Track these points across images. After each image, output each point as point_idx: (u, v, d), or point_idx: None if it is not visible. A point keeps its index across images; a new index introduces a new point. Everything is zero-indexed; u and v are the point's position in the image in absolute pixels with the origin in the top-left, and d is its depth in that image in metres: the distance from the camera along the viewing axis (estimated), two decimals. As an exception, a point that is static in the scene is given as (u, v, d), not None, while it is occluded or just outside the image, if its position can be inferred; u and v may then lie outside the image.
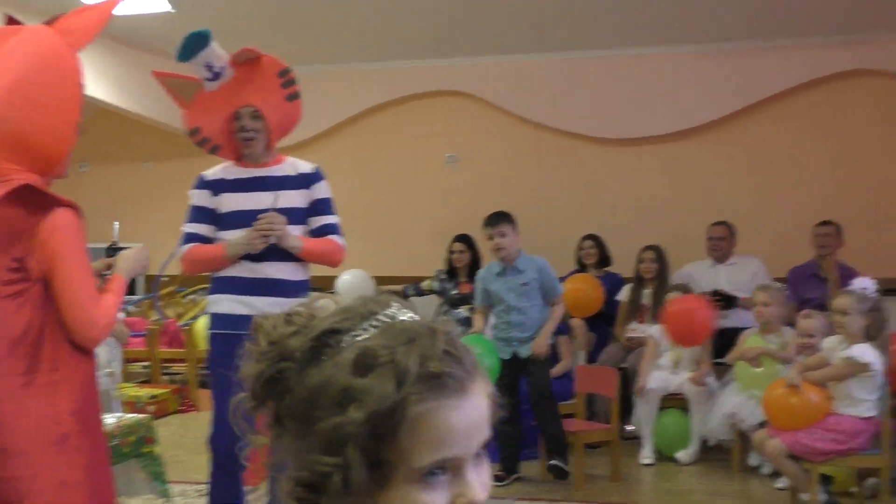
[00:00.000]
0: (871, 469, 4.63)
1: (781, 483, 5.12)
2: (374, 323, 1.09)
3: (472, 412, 1.06)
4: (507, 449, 5.42)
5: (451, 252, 7.31)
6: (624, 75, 7.70)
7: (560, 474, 5.21)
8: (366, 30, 7.54)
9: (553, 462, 5.25)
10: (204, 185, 3.90)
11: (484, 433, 1.09)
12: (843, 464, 4.59)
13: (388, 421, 1.02)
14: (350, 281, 7.57)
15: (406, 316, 1.11)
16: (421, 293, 7.57)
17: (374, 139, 8.40)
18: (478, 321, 5.55)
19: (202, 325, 7.35)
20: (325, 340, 1.09)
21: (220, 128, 3.92)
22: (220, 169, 3.95)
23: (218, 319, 3.87)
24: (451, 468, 1.05)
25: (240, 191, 3.88)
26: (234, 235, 3.79)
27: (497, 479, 5.35)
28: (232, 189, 3.88)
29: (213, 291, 3.91)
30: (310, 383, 1.08)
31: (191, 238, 3.88)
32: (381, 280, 7.73)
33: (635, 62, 7.65)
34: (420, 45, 7.84)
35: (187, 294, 8.33)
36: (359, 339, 1.07)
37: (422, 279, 7.55)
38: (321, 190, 3.97)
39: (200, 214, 3.89)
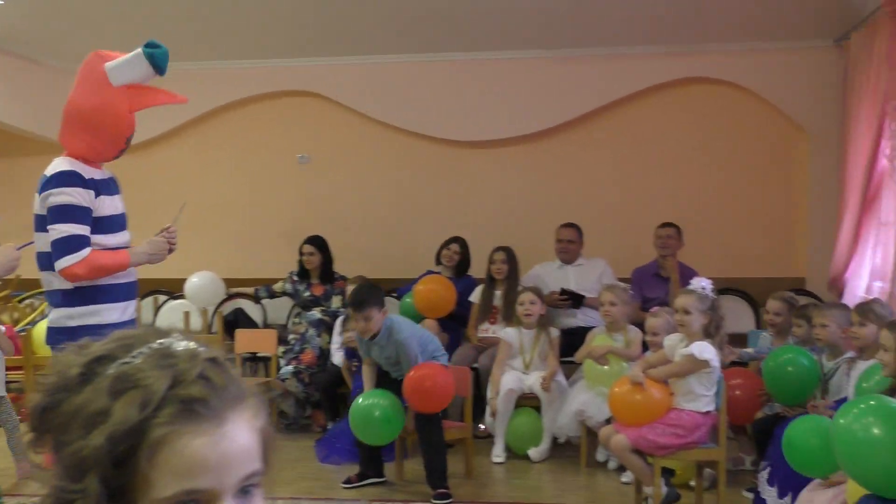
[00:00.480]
0: (709, 461, 4.82)
1: (626, 477, 5.30)
2: (144, 350, 1.04)
3: (228, 443, 1.01)
4: (366, 451, 5.43)
5: (302, 254, 7.23)
6: (474, 79, 7.79)
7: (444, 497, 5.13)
8: (215, 28, 7.37)
9: (441, 491, 5.12)
10: (85, 183, 3.61)
11: (248, 467, 1.04)
12: (684, 457, 4.76)
13: (127, 444, 0.97)
14: (198, 283, 7.38)
15: (183, 346, 1.06)
16: (273, 295, 7.47)
17: (224, 139, 8.22)
18: (366, 375, 5.56)
19: (41, 330, 7.00)
20: (94, 367, 1.03)
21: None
22: (82, 168, 3.66)
23: (111, 331, 3.66)
24: (204, 501, 1.00)
25: (109, 193, 3.74)
26: (109, 240, 3.67)
27: (347, 481, 5.34)
28: (105, 191, 3.72)
29: (105, 300, 3.66)
30: (67, 409, 1.02)
31: (85, 241, 3.57)
32: (231, 282, 7.56)
33: (485, 66, 7.75)
34: (271, 45, 7.72)
35: (24, 298, 7.92)
36: (124, 365, 1.02)
37: (274, 281, 7.44)
38: None
39: (85, 216, 3.60)
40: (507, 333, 6.22)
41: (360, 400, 5.32)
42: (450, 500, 5.06)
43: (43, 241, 3.63)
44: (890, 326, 3.82)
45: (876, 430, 3.06)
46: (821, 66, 7.19)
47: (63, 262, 3.53)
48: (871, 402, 3.20)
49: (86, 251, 3.56)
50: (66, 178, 3.58)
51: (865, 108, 6.20)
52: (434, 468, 5.20)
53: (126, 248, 3.78)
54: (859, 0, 6.58)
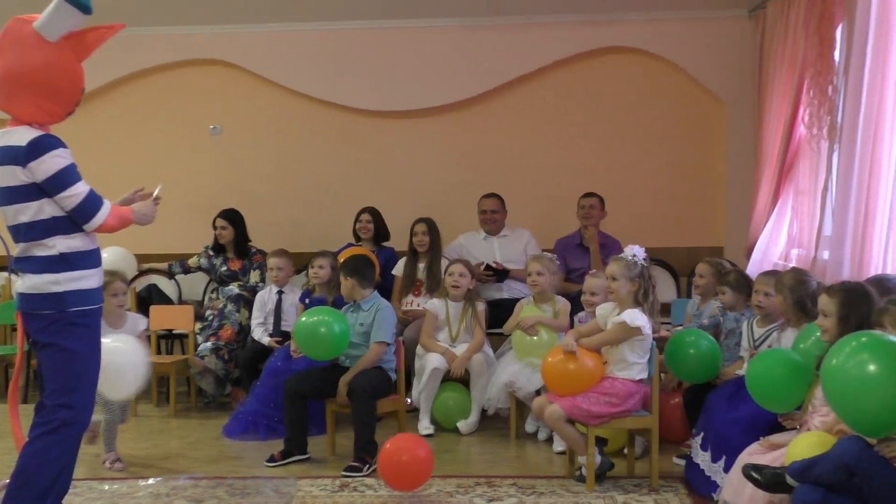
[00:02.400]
0: (642, 429, 4.84)
1: (559, 446, 5.29)
2: None
3: None
4: (291, 428, 5.33)
5: (215, 228, 7.01)
6: (391, 47, 7.63)
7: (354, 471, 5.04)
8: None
9: (351, 464, 5.06)
10: (64, 143, 3.67)
11: None
12: (618, 425, 4.77)
13: None
14: (109, 260, 7.02)
15: None
16: (187, 270, 7.24)
17: (131, 109, 7.87)
18: None
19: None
20: None
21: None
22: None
23: (94, 294, 3.71)
24: None
25: None
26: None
27: (271, 459, 5.23)
28: None
29: (87, 266, 3.68)
30: None
31: (100, 195, 3.71)
32: (144, 258, 7.27)
33: (402, 34, 7.60)
34: (179, 12, 7.43)
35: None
36: None
37: (188, 256, 7.20)
38: None
39: (79, 173, 3.70)
40: (433, 304, 6.13)
41: (304, 318, 5.36)
42: (361, 473, 4.99)
43: (20, 213, 3.61)
44: (828, 291, 3.86)
45: (871, 367, 3.03)
46: (736, 36, 7.28)
47: (98, 219, 3.65)
48: (864, 339, 3.16)
49: (108, 203, 3.71)
50: (49, 142, 3.59)
51: (782, 77, 6.29)
52: (361, 439, 5.16)
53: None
54: (775, -30, 6.67)
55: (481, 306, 6.12)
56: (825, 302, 3.81)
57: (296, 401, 5.36)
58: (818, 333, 3.85)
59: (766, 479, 3.49)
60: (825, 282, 4.86)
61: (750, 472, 3.56)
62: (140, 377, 4.52)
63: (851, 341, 3.17)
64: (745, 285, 5.16)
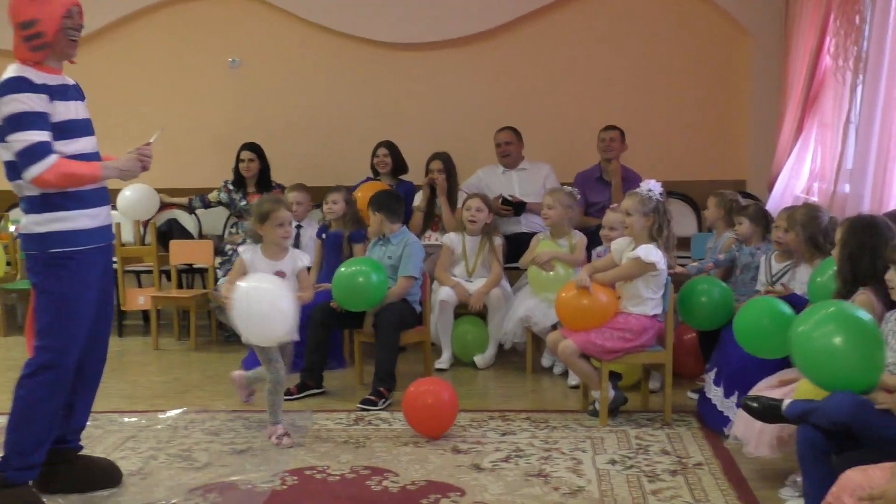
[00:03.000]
0: (656, 364, 4.83)
1: (573, 381, 5.31)
2: None
3: None
4: (311, 358, 5.40)
5: (240, 161, 7.00)
6: (413, -22, 7.52)
7: (370, 404, 5.10)
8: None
9: (367, 398, 5.12)
10: (35, 88, 3.50)
11: None
12: (631, 360, 4.77)
13: None
14: (131, 196, 7.11)
15: None
16: (208, 205, 7.26)
17: (149, 42, 7.81)
18: None
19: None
20: None
21: (56, 24, 3.58)
22: (33, 73, 3.55)
23: (82, 236, 3.63)
24: None
25: (65, 99, 3.64)
26: (66, 147, 3.57)
27: (288, 393, 5.24)
28: (59, 97, 3.61)
29: (74, 206, 3.60)
30: None
31: (47, 147, 3.50)
32: (164, 192, 7.30)
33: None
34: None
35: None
36: None
37: (208, 190, 7.21)
38: None
39: (43, 121, 3.50)
40: (450, 238, 6.12)
41: (343, 268, 5.34)
42: (377, 407, 5.04)
43: (3, 151, 3.57)
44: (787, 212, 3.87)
45: (836, 339, 3.12)
46: (764, -35, 7.08)
47: (32, 171, 3.47)
48: (831, 309, 3.21)
49: (52, 158, 3.49)
50: (14, 85, 3.48)
51: (809, 6, 6.12)
52: (381, 370, 5.22)
53: (95, 157, 3.74)
54: None
55: (499, 240, 6.10)
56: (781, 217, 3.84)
57: (320, 330, 5.44)
58: (834, 268, 3.80)
59: (762, 407, 3.46)
60: (844, 216, 4.81)
61: (747, 401, 3.55)
62: (286, 320, 4.22)
63: (819, 309, 3.24)
64: (762, 218, 5.12)
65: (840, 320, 3.15)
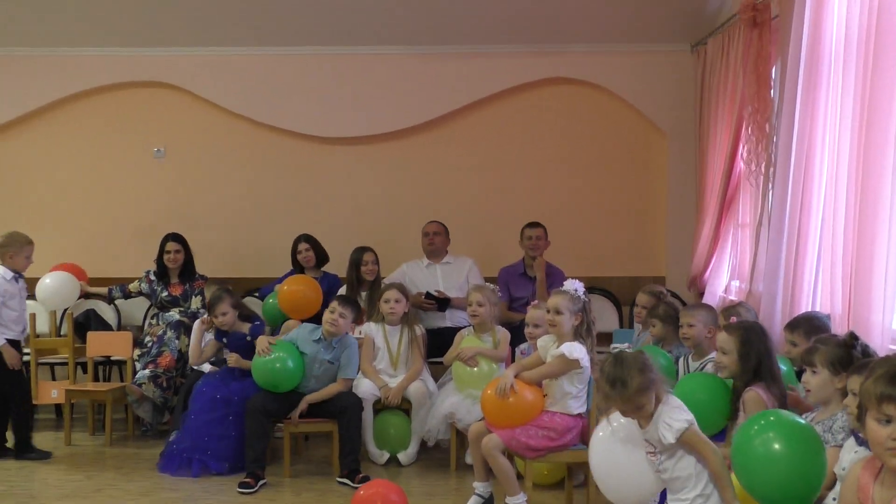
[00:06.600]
0: (578, 463, 4.84)
1: (469, 459, 5.32)
2: None
3: None
4: (257, 447, 5.41)
5: (165, 252, 6.91)
6: (335, 73, 7.64)
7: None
8: (66, 13, 6.99)
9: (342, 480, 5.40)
10: None
11: None
12: (554, 459, 4.77)
13: None
14: (51, 284, 6.94)
15: None
16: (128, 295, 7.13)
17: (74, 130, 7.78)
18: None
19: None
20: None
21: None
22: None
23: None
24: None
25: None
26: None
27: (243, 485, 5.22)
28: None
29: None
30: None
31: None
32: (83, 282, 7.15)
33: (346, 60, 7.60)
34: (125, 33, 7.38)
35: None
36: None
37: (129, 280, 7.09)
38: None
39: None
40: (369, 328, 6.10)
41: (258, 360, 5.59)
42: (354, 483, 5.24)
43: None
44: (728, 329, 3.96)
45: (776, 446, 3.05)
46: (678, 70, 7.40)
47: None
48: (771, 418, 3.20)
49: None
50: None
51: (722, 112, 6.39)
52: (353, 451, 5.49)
53: None
54: (715, 7, 6.79)
55: (420, 331, 6.12)
56: (724, 339, 3.93)
57: (261, 419, 5.45)
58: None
59: None
60: (759, 315, 4.96)
61: None
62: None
63: (760, 419, 3.20)
64: (673, 318, 5.19)
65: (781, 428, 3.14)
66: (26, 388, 6.17)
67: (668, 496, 3.51)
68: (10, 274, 5.94)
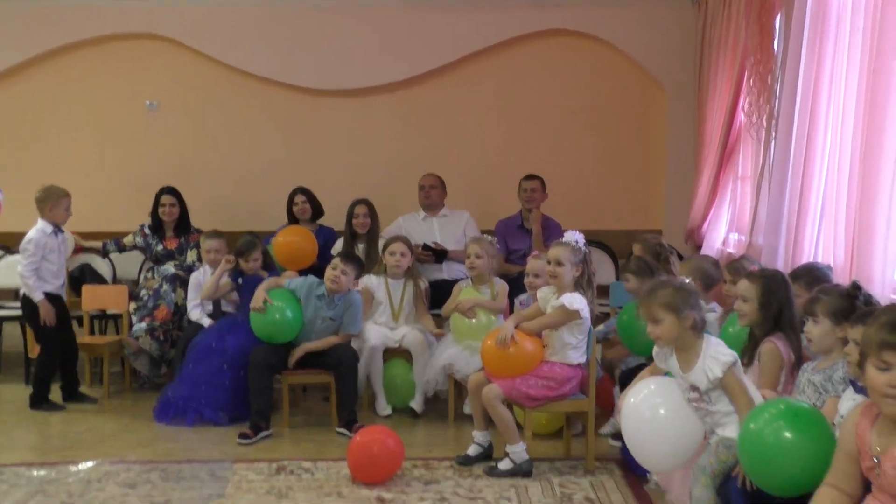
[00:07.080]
0: (577, 412, 4.87)
1: (468, 409, 5.42)
2: None
3: None
4: (260, 400, 5.42)
5: (160, 205, 6.87)
6: (333, 25, 7.55)
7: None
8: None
9: (340, 430, 5.43)
10: None
11: None
12: (554, 408, 4.80)
13: None
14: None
15: None
16: (122, 249, 7.09)
17: (67, 83, 7.68)
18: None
19: None
20: None
21: None
22: None
23: None
24: None
25: None
26: None
27: (242, 436, 5.25)
28: None
29: None
30: None
31: None
32: (77, 235, 7.10)
33: (345, 12, 7.52)
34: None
35: None
36: None
37: (123, 234, 7.05)
38: None
39: None
40: (370, 281, 6.07)
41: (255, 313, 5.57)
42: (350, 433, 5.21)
43: None
44: (749, 277, 3.93)
45: (786, 434, 2.96)
46: (678, 23, 7.36)
47: None
48: (781, 407, 3.10)
49: None
50: None
51: (723, 64, 6.35)
52: (351, 405, 5.49)
53: None
54: (717, -43, 6.71)
55: (423, 284, 6.13)
56: (745, 287, 3.89)
57: (263, 372, 5.46)
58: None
59: None
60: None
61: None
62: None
63: (770, 407, 3.11)
64: (647, 271, 5.16)
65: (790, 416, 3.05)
66: (56, 343, 6.06)
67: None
68: (49, 227, 5.96)
